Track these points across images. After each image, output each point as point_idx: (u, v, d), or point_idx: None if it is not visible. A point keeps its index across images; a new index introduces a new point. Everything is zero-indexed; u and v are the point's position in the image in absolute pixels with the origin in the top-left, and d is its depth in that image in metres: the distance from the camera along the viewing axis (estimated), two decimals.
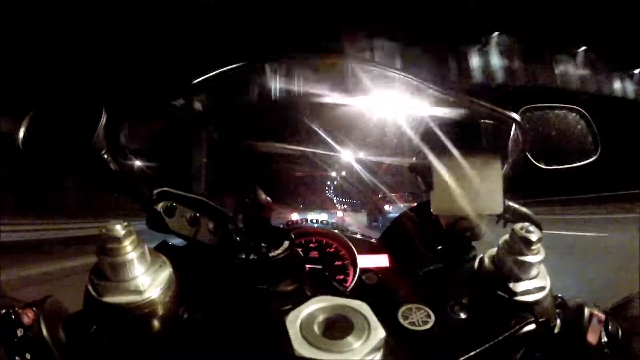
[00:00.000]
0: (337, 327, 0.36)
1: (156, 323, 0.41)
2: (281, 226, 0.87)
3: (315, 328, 0.36)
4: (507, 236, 0.47)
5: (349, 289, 0.74)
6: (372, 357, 0.34)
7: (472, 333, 0.46)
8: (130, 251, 0.39)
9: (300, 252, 0.54)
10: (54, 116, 0.55)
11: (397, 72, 0.59)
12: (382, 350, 0.35)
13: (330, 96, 0.69)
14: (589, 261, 4.29)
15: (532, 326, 0.46)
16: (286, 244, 0.51)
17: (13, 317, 0.40)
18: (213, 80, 0.58)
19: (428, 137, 0.58)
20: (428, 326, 0.46)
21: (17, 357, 0.39)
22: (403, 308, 0.48)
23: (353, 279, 0.76)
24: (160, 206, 0.52)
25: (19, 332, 0.39)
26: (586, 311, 0.48)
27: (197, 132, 0.65)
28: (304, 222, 0.91)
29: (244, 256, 0.50)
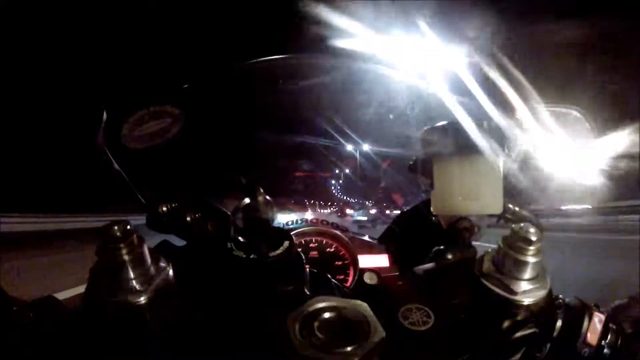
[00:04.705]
0: (337, 327, 0.36)
1: (156, 323, 0.41)
2: (281, 226, 0.87)
3: (315, 328, 0.36)
4: (507, 236, 0.47)
5: (349, 289, 0.74)
6: (372, 357, 0.34)
7: (472, 333, 0.46)
8: (130, 251, 0.39)
9: (300, 252, 0.54)
10: (55, 115, 0.55)
11: (398, 71, 0.59)
12: (382, 350, 0.35)
13: (330, 96, 0.69)
14: None
15: (532, 326, 0.46)
16: (286, 244, 0.51)
17: (13, 317, 0.40)
18: (212, 80, 0.58)
19: (428, 137, 0.58)
20: (428, 326, 0.46)
21: (17, 357, 0.39)
22: (403, 308, 0.48)
23: (353, 279, 0.76)
24: (160, 206, 0.52)
25: (19, 332, 0.39)
26: (586, 311, 0.48)
27: (197, 132, 0.65)
28: (305, 222, 0.91)
29: (244, 256, 0.50)
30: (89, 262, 0.40)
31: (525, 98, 0.60)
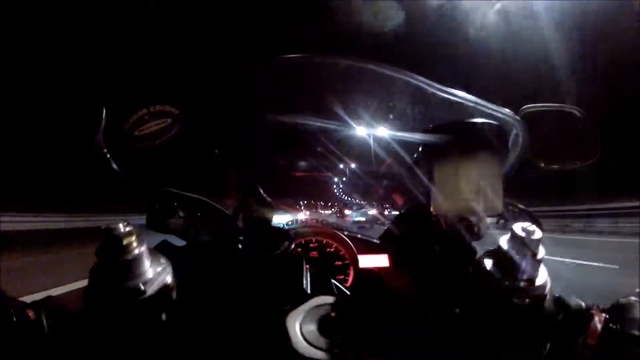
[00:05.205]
0: (337, 327, 0.36)
1: (156, 322, 0.41)
2: (281, 226, 0.87)
3: (315, 328, 0.36)
4: (507, 236, 0.47)
5: (349, 289, 0.74)
6: (371, 356, 0.34)
7: (472, 333, 0.46)
8: (130, 251, 0.39)
9: (300, 252, 0.54)
10: (55, 115, 0.55)
11: (398, 72, 0.59)
12: (381, 350, 0.35)
13: (330, 96, 0.69)
14: None
15: (532, 326, 0.46)
16: (286, 244, 0.51)
17: (14, 316, 0.40)
18: (213, 80, 0.58)
19: (428, 137, 0.58)
20: (428, 326, 0.46)
21: (17, 357, 0.39)
22: (403, 308, 0.48)
23: (353, 279, 0.76)
24: (160, 206, 0.52)
25: (20, 332, 0.39)
26: (586, 311, 0.48)
27: (197, 131, 0.65)
28: (305, 222, 0.91)
29: (244, 256, 0.50)
30: (89, 261, 0.40)
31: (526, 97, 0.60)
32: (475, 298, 0.49)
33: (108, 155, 0.53)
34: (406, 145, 0.76)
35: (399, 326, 0.47)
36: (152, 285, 0.40)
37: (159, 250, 0.45)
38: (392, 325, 0.45)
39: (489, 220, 0.60)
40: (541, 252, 0.46)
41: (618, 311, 0.50)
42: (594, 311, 0.48)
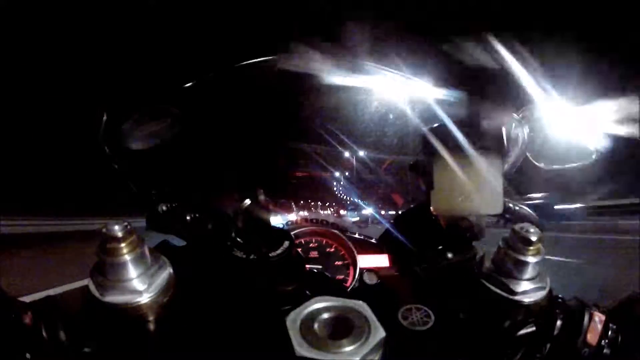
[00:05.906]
0: (337, 327, 0.36)
1: (156, 323, 0.41)
2: (281, 226, 0.87)
3: (315, 328, 0.36)
4: (507, 236, 0.47)
5: (349, 289, 0.74)
6: (372, 357, 0.34)
7: (472, 333, 0.46)
8: (130, 251, 0.39)
9: (300, 252, 0.54)
10: (54, 117, 0.55)
11: (398, 72, 0.59)
12: (382, 350, 0.35)
13: (329, 96, 0.69)
14: None
15: (531, 326, 0.46)
16: (286, 244, 0.51)
17: (13, 317, 0.40)
18: (212, 80, 0.58)
19: (428, 137, 0.58)
20: (428, 326, 0.46)
21: (17, 357, 0.39)
22: (403, 308, 0.48)
23: (353, 279, 0.76)
24: (160, 206, 0.52)
25: (19, 332, 0.39)
26: (586, 311, 0.48)
27: (197, 132, 0.65)
28: (304, 222, 0.91)
29: (244, 256, 0.50)
30: (89, 262, 0.40)
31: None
32: (475, 298, 0.49)
33: (108, 156, 0.54)
34: (406, 146, 0.76)
35: (399, 326, 0.47)
36: (152, 286, 0.40)
37: (159, 250, 0.45)
38: (393, 326, 0.45)
39: (488, 220, 0.60)
40: (541, 253, 0.46)
41: (618, 311, 0.50)
42: (594, 311, 0.48)
